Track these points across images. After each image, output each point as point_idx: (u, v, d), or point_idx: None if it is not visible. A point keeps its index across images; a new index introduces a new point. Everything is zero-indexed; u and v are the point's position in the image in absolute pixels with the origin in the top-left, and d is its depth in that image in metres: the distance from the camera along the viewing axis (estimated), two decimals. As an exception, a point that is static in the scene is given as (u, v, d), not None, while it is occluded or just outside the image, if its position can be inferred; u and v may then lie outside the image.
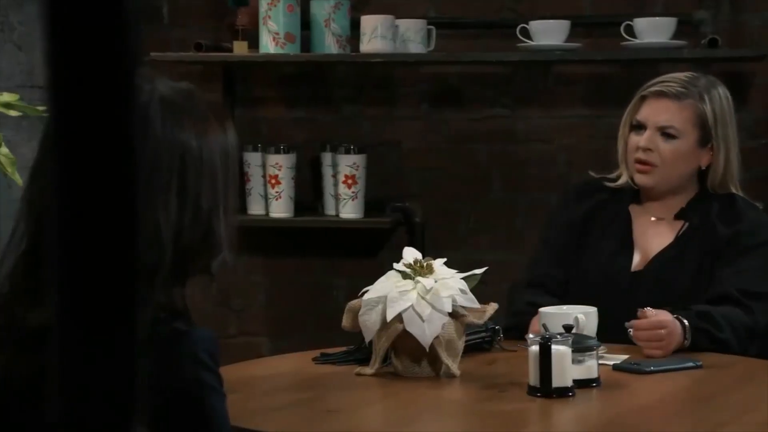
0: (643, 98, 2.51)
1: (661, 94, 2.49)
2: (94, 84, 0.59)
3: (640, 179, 2.51)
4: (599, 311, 2.27)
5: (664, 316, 2.26)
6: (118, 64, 0.59)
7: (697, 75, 2.56)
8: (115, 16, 0.59)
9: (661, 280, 2.45)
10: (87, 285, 0.58)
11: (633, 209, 2.55)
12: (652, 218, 2.54)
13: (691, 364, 2.20)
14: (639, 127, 2.50)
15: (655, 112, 2.49)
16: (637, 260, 2.49)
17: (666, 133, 2.48)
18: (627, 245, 2.51)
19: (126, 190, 0.59)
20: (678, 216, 2.52)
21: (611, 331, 2.27)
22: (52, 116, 0.59)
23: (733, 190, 2.52)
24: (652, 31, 3.28)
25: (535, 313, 2.32)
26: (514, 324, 2.42)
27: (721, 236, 2.45)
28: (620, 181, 2.56)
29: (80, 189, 0.59)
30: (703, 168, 2.52)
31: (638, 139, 2.49)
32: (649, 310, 2.26)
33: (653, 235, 2.51)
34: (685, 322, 2.28)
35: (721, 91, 2.52)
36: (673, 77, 2.52)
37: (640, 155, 2.49)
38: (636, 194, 2.56)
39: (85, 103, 0.59)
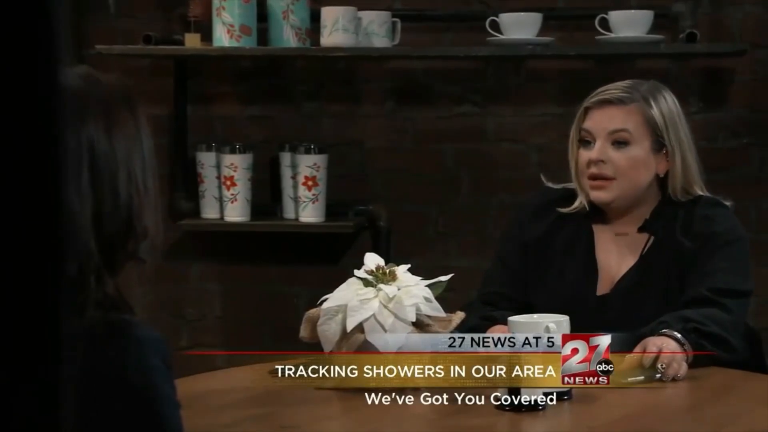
0: (587, 110, 2.52)
1: (605, 102, 2.50)
2: (17, 75, 0.60)
3: (597, 196, 2.50)
4: None
5: (662, 342, 2.23)
6: (42, 55, 0.60)
7: (639, 81, 2.56)
8: (38, 9, 0.60)
9: (627, 303, 2.46)
10: (8, 287, 0.59)
11: (594, 225, 2.55)
12: (615, 233, 2.54)
13: (667, 375, 2.23)
14: (587, 141, 2.51)
15: (601, 120, 2.49)
16: (602, 283, 2.50)
17: (618, 141, 2.48)
18: (591, 267, 2.51)
19: (47, 183, 0.60)
20: (641, 229, 2.53)
21: None
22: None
23: (699, 193, 2.53)
24: (628, 24, 3.33)
25: (490, 326, 2.35)
26: None
27: (687, 249, 2.46)
28: (575, 205, 2.54)
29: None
30: (661, 175, 2.52)
31: (588, 154, 2.49)
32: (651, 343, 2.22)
33: (616, 254, 2.52)
34: (676, 334, 2.27)
35: (667, 95, 2.53)
36: (614, 85, 2.53)
37: (593, 170, 2.48)
38: (596, 210, 2.54)
39: (7, 96, 0.60)
